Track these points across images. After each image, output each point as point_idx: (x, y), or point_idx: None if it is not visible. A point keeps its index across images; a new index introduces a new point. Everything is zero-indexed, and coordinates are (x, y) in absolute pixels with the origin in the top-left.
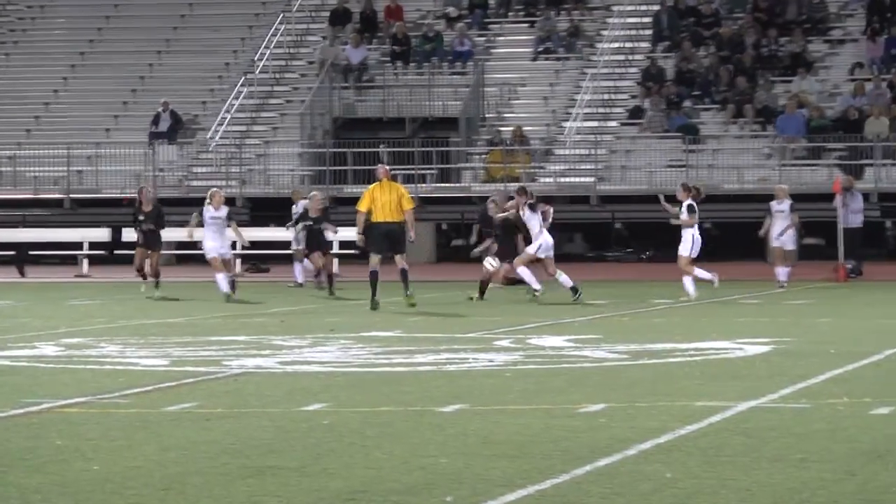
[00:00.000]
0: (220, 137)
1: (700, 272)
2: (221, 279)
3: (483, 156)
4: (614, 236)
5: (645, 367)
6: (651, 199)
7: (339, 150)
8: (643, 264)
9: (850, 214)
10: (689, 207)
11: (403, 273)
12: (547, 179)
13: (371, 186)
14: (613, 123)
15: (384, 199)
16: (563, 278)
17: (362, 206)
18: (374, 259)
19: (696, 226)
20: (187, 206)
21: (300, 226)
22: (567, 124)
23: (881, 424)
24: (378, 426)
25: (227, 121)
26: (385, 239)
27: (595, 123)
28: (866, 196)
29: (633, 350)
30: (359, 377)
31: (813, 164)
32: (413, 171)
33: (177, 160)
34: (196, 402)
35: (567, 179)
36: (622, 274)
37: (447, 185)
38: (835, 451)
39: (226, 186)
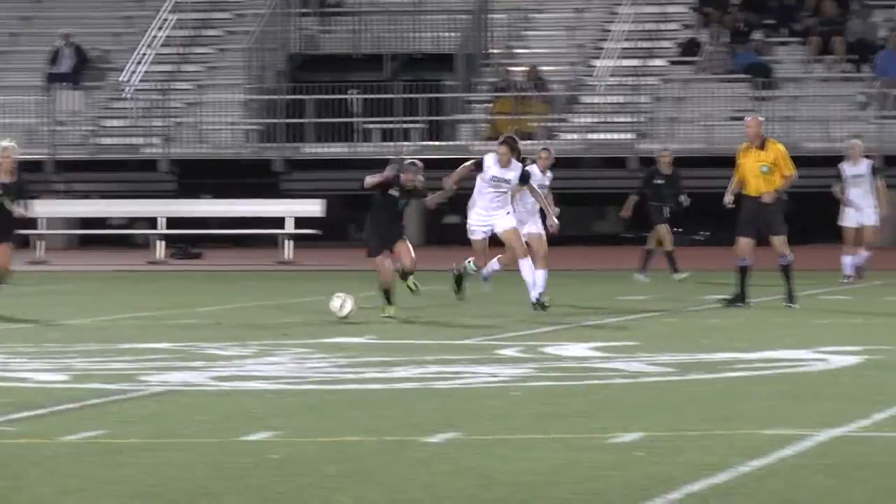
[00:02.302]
0: (140, 81)
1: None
2: None
3: (487, 105)
4: None
5: (696, 383)
6: (710, 161)
7: (297, 96)
8: (697, 248)
9: None
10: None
11: (784, 268)
12: (571, 136)
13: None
14: (659, 62)
15: (749, 164)
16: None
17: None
18: (743, 243)
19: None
20: (97, 172)
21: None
22: (598, 63)
23: None
24: (344, 462)
25: (148, 59)
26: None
27: (635, 62)
28: None
29: (681, 361)
30: (318, 397)
31: None
32: (394, 125)
33: (82, 110)
34: (104, 430)
35: (598, 136)
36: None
37: (439, 143)
38: None
39: (147, 145)
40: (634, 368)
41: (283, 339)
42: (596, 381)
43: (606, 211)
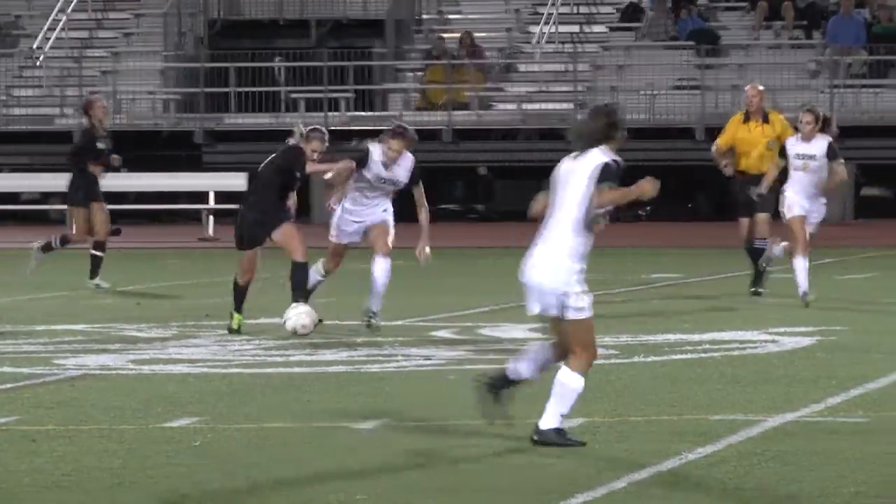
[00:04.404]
0: (52, 48)
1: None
2: None
3: (419, 73)
4: None
5: (640, 366)
6: (654, 133)
7: (218, 64)
8: (640, 225)
9: None
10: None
11: (757, 251)
12: (507, 106)
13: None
14: (600, 28)
15: (751, 138)
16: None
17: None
18: (743, 223)
19: None
20: (7, 144)
21: None
22: (535, 29)
23: None
24: (269, 449)
25: (60, 24)
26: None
27: (574, 28)
28: None
29: (624, 343)
30: (243, 382)
31: (876, 86)
32: (321, 95)
33: None
34: (17, 417)
35: (535, 106)
36: (611, 239)
37: (368, 113)
38: None
39: (60, 115)
40: None
41: (205, 321)
42: None
43: (542, 184)
